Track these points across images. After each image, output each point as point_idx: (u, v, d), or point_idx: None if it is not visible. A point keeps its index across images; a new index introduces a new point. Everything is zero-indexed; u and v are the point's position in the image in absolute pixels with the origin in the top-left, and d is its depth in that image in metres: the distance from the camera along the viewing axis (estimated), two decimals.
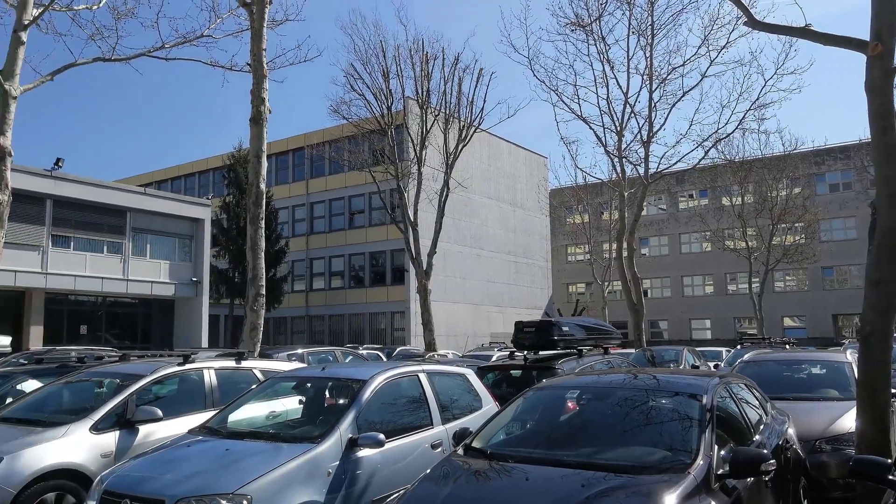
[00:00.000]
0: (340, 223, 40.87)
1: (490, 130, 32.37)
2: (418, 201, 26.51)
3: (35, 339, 24.76)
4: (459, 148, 26.78)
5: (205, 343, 29.39)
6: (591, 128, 25.14)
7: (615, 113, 24.84)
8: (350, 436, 5.46)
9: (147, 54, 16.84)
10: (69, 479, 6.06)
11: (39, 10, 15.00)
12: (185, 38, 17.14)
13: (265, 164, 11.89)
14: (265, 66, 12.01)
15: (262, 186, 11.78)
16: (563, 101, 25.36)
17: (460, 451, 4.95)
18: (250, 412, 6.52)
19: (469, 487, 4.40)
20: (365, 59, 26.11)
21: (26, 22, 14.59)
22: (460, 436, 5.24)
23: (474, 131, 27.26)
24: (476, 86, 26.88)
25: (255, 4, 11.95)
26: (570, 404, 5.68)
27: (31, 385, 8.43)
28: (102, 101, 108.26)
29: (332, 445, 5.33)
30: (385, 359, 19.78)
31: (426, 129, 26.50)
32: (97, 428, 6.40)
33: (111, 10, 16.75)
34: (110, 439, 6.42)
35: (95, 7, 16.44)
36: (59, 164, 25.52)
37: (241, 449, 5.31)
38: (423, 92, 26.40)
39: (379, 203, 35.54)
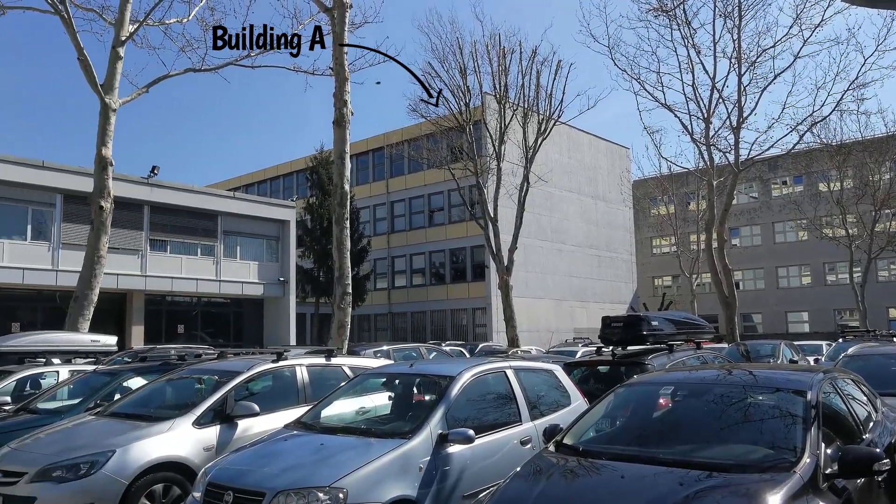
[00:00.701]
0: (420, 221, 41.26)
1: (569, 123, 31.96)
2: (498, 197, 26.46)
3: (136, 338, 26.16)
4: (539, 142, 26.58)
5: (293, 340, 30.30)
6: (676, 115, 24.46)
7: (702, 99, 24.01)
8: (440, 431, 5.48)
9: (234, 63, 17.54)
10: (175, 471, 6.34)
11: (135, 26, 15.83)
12: (269, 46, 17.73)
13: (348, 165, 12.11)
14: (346, 69, 12.22)
15: (346, 187, 12.00)
16: (645, 90, 24.68)
17: (551, 447, 4.89)
18: (342, 408, 6.65)
19: (562, 485, 4.34)
20: (442, 57, 26.31)
21: (123, 38, 15.44)
22: (550, 432, 5.17)
23: (553, 124, 27.00)
24: (554, 78, 26.70)
25: (336, 9, 12.18)
26: (662, 401, 5.54)
27: (136, 382, 8.81)
28: (192, 110, 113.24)
29: (422, 441, 5.37)
30: (468, 355, 19.82)
31: (505, 124, 26.43)
32: (199, 422, 6.66)
33: (199, 22, 17.51)
34: (212, 433, 6.67)
35: (185, 20, 17.22)
36: (155, 171, 26.85)
37: (335, 444, 5.42)
38: (500, 87, 26.34)
39: (458, 200, 35.68)
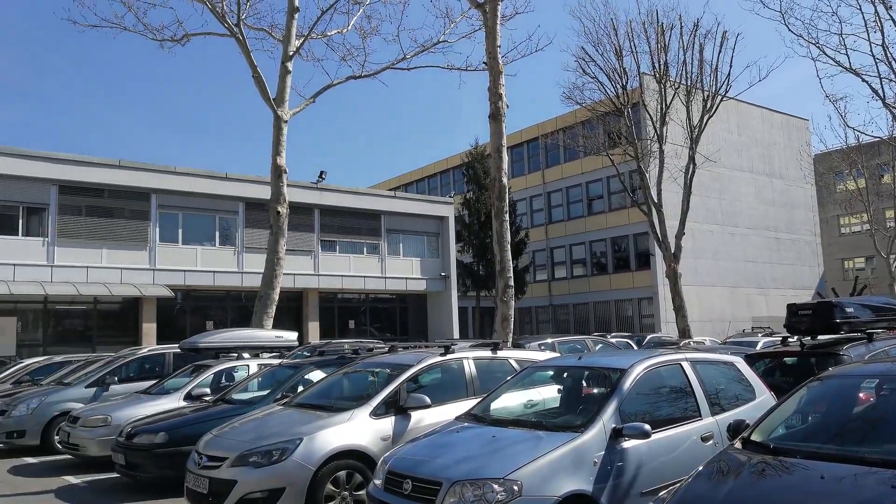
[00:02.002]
0: (579, 210, 40.50)
1: (738, 97, 29.96)
2: (661, 181, 25.40)
3: (313, 333, 27.94)
4: (705, 120, 25.22)
5: (455, 334, 30.91)
6: (863, 80, 21.93)
7: (894, 59, 21.47)
8: (613, 426, 5.33)
9: (391, 67, 18.14)
10: (356, 459, 6.67)
11: (300, 41, 16.82)
12: (423, 47, 18.21)
13: (506, 158, 12.08)
14: (500, 62, 12.19)
15: (505, 180, 11.97)
16: (825, 55, 22.37)
17: (737, 444, 4.64)
18: (510, 400, 6.65)
19: (754, 484, 4.06)
20: (596, 41, 25.67)
21: (291, 53, 16.45)
22: (736, 428, 4.90)
23: (720, 100, 25.50)
24: (720, 51, 25.27)
25: (488, 3, 12.19)
26: (862, 395, 5.05)
27: (316, 375, 9.35)
28: (353, 114, 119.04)
29: (595, 435, 5.25)
30: (636, 347, 19.20)
31: (666, 104, 25.31)
32: (376, 413, 6.95)
33: (358, 31, 18.28)
34: (387, 424, 6.94)
35: (345, 30, 18.05)
36: (323, 176, 28.51)
37: (506, 436, 5.43)
38: (660, 65, 25.25)
39: (618, 186, 34.65)
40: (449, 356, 7.87)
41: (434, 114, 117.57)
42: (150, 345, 21.46)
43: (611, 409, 5.46)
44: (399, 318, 32.22)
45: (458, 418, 6.25)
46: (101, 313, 24.59)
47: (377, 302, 31.75)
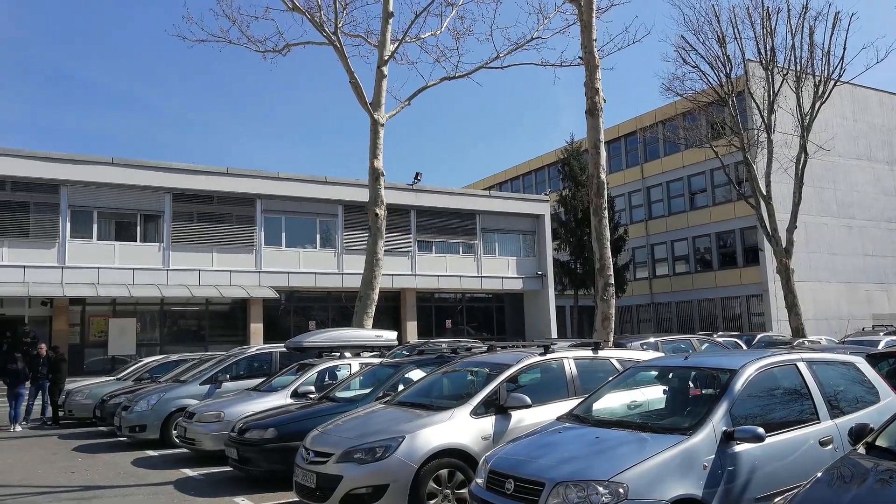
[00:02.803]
0: (680, 205, 39.17)
1: (854, 81, 28.16)
2: (770, 172, 24.25)
3: (411, 332, 28.38)
4: (817, 107, 23.89)
5: (553, 333, 30.66)
6: None
7: None
8: (724, 428, 5.14)
9: (485, 66, 18.09)
10: (457, 457, 6.70)
11: (395, 45, 17.08)
12: (516, 45, 18.05)
13: (603, 153, 11.80)
14: (597, 56, 11.92)
15: (603, 176, 11.70)
16: None
17: (861, 449, 4.38)
18: (613, 401, 6.51)
19: (880, 493, 3.81)
20: (697, 29, 24.88)
21: (386, 57, 16.73)
22: (859, 432, 4.63)
23: (833, 85, 24.06)
24: (832, 33, 23.89)
25: None
26: None
27: (416, 374, 9.47)
28: (448, 115, 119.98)
29: (705, 438, 5.06)
30: (744, 346, 18.36)
31: (774, 91, 24.13)
32: (476, 413, 6.96)
33: (451, 32, 18.35)
34: (488, 423, 6.93)
35: (438, 32, 18.18)
36: (418, 178, 28.93)
37: (610, 437, 5.32)
38: (766, 51, 24.10)
39: (722, 179, 33.30)
40: (549, 356, 7.79)
41: (529, 111, 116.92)
42: (257, 344, 22.43)
43: (721, 411, 5.26)
44: (496, 317, 32.23)
45: (559, 418, 6.18)
46: (213, 314, 25.92)
47: (473, 301, 31.87)
